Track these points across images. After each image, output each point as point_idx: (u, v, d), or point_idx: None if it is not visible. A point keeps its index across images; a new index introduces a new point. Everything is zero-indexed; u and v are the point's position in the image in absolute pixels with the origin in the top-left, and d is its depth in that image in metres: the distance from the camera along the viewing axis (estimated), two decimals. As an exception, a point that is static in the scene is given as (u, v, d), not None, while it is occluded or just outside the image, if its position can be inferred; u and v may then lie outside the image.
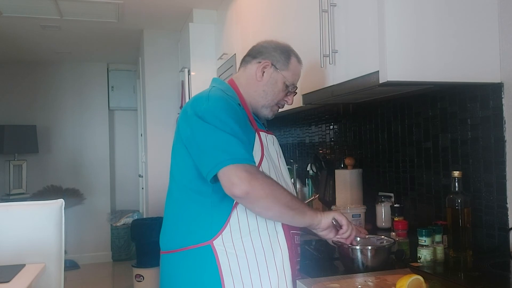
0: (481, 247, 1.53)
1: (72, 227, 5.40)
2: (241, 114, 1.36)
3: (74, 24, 4.04)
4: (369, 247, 1.43)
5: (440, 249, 1.44)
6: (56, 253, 2.02)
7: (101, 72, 5.87)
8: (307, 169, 2.68)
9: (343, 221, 1.39)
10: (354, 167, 2.21)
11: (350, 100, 2.17)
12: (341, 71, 1.62)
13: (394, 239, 1.53)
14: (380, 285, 1.24)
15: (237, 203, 1.33)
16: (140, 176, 5.38)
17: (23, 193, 5.29)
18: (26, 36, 4.40)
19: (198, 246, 1.33)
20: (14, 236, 1.97)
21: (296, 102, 1.68)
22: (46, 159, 5.65)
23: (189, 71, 3.65)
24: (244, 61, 1.54)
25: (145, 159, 4.67)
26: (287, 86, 1.50)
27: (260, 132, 1.42)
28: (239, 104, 1.41)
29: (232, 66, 3.10)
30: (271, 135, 1.49)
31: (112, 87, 5.92)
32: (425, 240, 1.41)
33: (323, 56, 1.65)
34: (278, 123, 3.31)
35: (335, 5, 1.63)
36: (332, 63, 1.64)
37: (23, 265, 1.78)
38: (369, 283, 1.27)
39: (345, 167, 2.23)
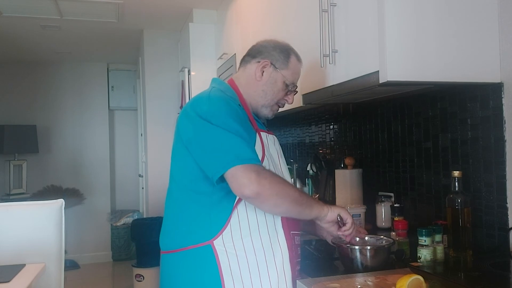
0: (481, 247, 1.53)
1: (72, 227, 5.40)
2: (241, 115, 1.36)
3: (74, 24, 4.04)
4: (369, 247, 1.43)
5: (440, 249, 1.44)
6: (56, 253, 2.02)
7: (101, 72, 5.87)
8: (307, 169, 2.68)
9: (348, 219, 1.40)
10: (354, 167, 2.21)
11: (350, 100, 2.17)
12: (341, 71, 1.62)
13: (394, 239, 1.53)
14: (380, 285, 1.24)
15: (237, 203, 1.33)
16: (140, 176, 5.38)
17: (23, 193, 5.29)
18: (26, 36, 4.40)
19: (198, 246, 1.33)
20: (14, 236, 1.97)
21: (296, 102, 1.68)
22: (46, 159, 5.65)
23: (189, 71, 3.65)
24: (244, 61, 1.54)
25: (145, 159, 4.67)
26: (287, 85, 1.50)
27: (261, 132, 1.42)
28: (239, 105, 1.41)
29: (232, 66, 3.10)
30: (271, 135, 1.49)
31: (112, 87, 5.92)
32: (425, 240, 1.41)
33: (323, 56, 1.65)
34: (278, 123, 3.31)
35: (335, 5, 1.63)
36: (332, 63, 1.64)
37: (23, 265, 1.78)
38: (369, 283, 1.27)
39: (345, 167, 2.23)
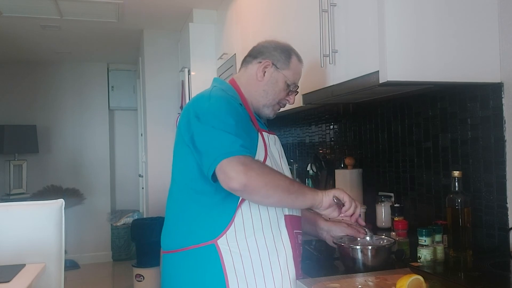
0: (481, 247, 1.53)
1: (72, 227, 5.40)
2: (242, 114, 1.36)
3: (74, 24, 4.04)
4: (369, 247, 1.43)
5: (440, 249, 1.44)
6: (56, 253, 2.02)
7: (101, 72, 5.87)
8: (307, 169, 2.68)
9: (345, 197, 1.36)
10: (354, 167, 2.21)
11: (350, 100, 2.17)
12: (341, 71, 1.62)
13: (394, 239, 1.53)
14: (380, 285, 1.24)
15: (241, 203, 1.33)
16: (140, 176, 5.38)
17: (23, 193, 5.30)
18: (26, 36, 4.40)
19: (202, 246, 1.33)
20: (14, 236, 1.97)
21: (296, 102, 1.68)
22: (46, 159, 5.65)
23: (189, 71, 3.66)
24: (245, 61, 1.55)
25: (145, 159, 4.67)
26: (288, 85, 1.50)
27: (263, 132, 1.43)
28: (240, 104, 1.41)
29: (232, 66, 3.10)
30: (273, 135, 1.49)
31: (112, 87, 5.92)
32: (425, 240, 1.41)
33: (323, 56, 1.65)
34: (279, 123, 3.31)
35: (335, 5, 1.63)
36: (332, 63, 1.64)
37: (23, 265, 1.78)
38: (369, 283, 1.27)
39: (345, 167, 2.23)
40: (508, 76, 1.45)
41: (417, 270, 1.28)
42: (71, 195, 5.54)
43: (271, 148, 1.44)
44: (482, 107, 1.53)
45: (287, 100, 1.53)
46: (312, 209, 1.39)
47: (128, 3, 3.55)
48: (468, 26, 1.43)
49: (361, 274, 1.36)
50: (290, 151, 3.13)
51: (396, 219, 1.67)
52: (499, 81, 1.46)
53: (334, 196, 1.35)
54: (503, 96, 1.46)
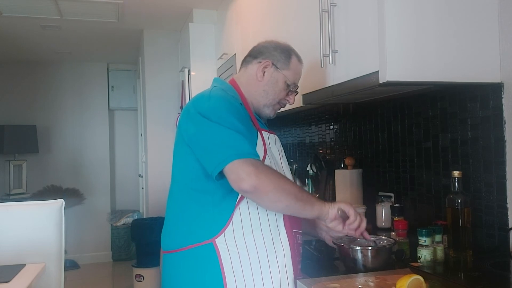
0: (481, 247, 1.53)
1: (72, 227, 5.40)
2: (243, 113, 1.37)
3: (74, 24, 4.04)
4: (370, 247, 1.43)
5: (440, 249, 1.44)
6: (56, 253, 2.02)
7: (101, 72, 5.87)
8: (307, 169, 2.68)
9: (350, 211, 1.36)
10: (354, 167, 2.21)
11: (350, 100, 2.17)
12: (341, 71, 1.62)
13: (394, 239, 1.53)
14: (380, 285, 1.24)
15: (239, 201, 1.33)
16: (140, 176, 5.39)
17: (23, 193, 5.30)
18: (26, 36, 4.40)
19: (200, 245, 1.33)
20: (14, 236, 1.97)
21: (296, 102, 1.68)
22: (46, 159, 5.65)
23: (189, 71, 3.66)
24: (245, 61, 1.55)
25: (145, 159, 4.67)
26: (288, 86, 1.50)
27: (263, 132, 1.43)
28: (240, 104, 1.41)
29: (232, 66, 3.10)
30: (273, 134, 1.49)
31: (112, 87, 5.92)
32: (425, 240, 1.41)
33: (323, 56, 1.65)
34: (278, 123, 3.31)
35: (335, 5, 1.63)
36: (332, 63, 1.64)
37: (23, 265, 1.78)
38: (369, 283, 1.27)
39: (345, 167, 2.23)
40: (508, 76, 1.45)
41: (417, 270, 1.28)
42: (71, 195, 5.54)
43: (271, 148, 1.44)
44: (482, 107, 1.53)
45: (287, 100, 1.53)
46: (319, 220, 1.39)
47: (128, 3, 3.55)
48: (468, 26, 1.43)
49: (361, 274, 1.36)
50: (290, 151, 3.13)
51: (396, 219, 1.68)
52: (499, 81, 1.46)
53: (338, 209, 1.36)
54: (503, 96, 1.46)
